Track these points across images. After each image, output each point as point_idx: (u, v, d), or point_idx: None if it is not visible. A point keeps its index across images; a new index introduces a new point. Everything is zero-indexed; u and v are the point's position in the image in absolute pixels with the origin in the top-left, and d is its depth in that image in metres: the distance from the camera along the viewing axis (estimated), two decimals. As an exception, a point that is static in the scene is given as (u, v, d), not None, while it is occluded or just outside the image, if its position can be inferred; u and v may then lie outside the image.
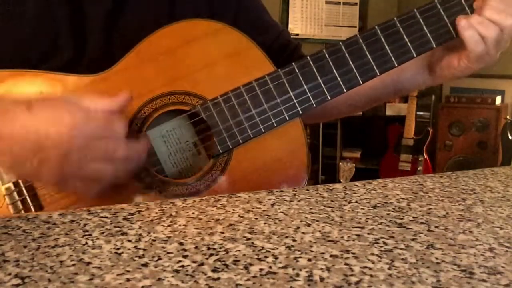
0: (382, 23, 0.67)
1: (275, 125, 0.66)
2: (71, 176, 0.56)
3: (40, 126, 0.53)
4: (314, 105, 0.66)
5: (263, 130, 0.66)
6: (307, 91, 0.66)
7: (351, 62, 0.66)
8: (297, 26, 3.54)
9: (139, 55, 0.64)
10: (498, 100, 3.24)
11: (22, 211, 0.61)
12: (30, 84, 0.63)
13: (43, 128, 0.53)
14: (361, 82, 0.67)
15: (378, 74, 0.67)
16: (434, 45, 0.67)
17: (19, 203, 0.61)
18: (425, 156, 3.19)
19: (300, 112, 0.66)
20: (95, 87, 0.64)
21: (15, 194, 0.61)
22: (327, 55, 0.66)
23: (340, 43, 0.67)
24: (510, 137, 3.00)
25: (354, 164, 3.27)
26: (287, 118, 0.66)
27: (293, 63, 0.66)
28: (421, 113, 3.31)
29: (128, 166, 0.58)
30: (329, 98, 0.67)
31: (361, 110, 0.86)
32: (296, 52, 0.83)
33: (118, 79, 0.64)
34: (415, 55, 0.67)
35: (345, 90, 0.67)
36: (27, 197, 0.61)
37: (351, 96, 0.79)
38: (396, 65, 0.67)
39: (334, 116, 0.91)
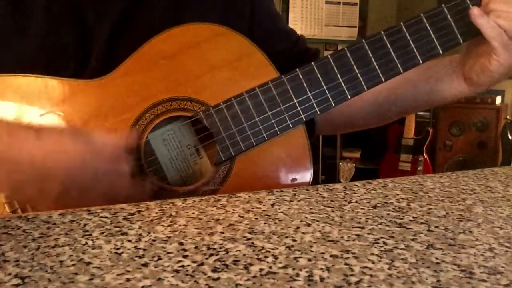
0: (388, 28, 0.66)
1: (278, 132, 0.65)
2: (65, 204, 0.55)
3: (47, 156, 0.54)
4: (318, 112, 0.65)
5: (266, 138, 0.65)
6: (311, 98, 0.65)
7: (356, 69, 0.65)
8: (297, 26, 3.53)
9: (140, 59, 0.64)
10: (498, 100, 3.24)
11: (22, 214, 0.61)
12: (31, 88, 0.62)
13: (50, 159, 0.53)
14: (366, 89, 0.66)
15: (384, 80, 0.65)
16: (441, 51, 0.66)
17: (19, 211, 0.60)
18: (425, 156, 3.19)
19: (304, 119, 0.65)
20: (96, 92, 0.63)
21: (15, 202, 0.60)
22: (332, 61, 0.65)
23: (345, 48, 0.65)
24: (510, 137, 3.00)
25: (354, 164, 3.27)
26: (291, 126, 0.65)
27: (297, 69, 0.65)
28: (421, 113, 3.30)
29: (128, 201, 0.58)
30: (333, 105, 0.65)
31: (392, 120, 0.82)
32: (315, 58, 0.81)
33: (119, 84, 0.63)
34: (421, 62, 0.66)
35: (349, 97, 0.65)
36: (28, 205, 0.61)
37: (381, 104, 0.76)
38: (402, 71, 0.65)
39: (361, 126, 0.87)
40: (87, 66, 0.65)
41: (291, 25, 3.51)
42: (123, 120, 0.63)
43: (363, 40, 0.65)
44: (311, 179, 0.67)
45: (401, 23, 0.65)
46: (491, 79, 0.68)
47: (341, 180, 3.17)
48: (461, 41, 0.66)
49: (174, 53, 0.64)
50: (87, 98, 0.63)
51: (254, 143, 0.65)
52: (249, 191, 0.65)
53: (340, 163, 3.29)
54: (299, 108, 0.65)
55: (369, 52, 0.65)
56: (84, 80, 0.63)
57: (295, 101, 0.65)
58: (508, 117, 3.14)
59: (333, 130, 0.86)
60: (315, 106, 0.65)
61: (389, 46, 0.65)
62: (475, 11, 0.63)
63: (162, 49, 0.64)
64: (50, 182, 0.53)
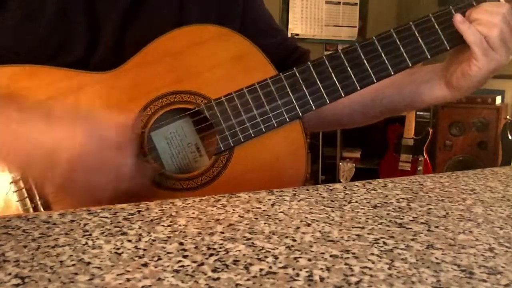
0: (379, 34, 0.70)
1: (275, 125, 0.68)
2: (73, 190, 0.59)
3: (55, 137, 0.57)
4: (314, 108, 0.69)
5: (264, 130, 0.68)
6: (307, 94, 0.69)
7: (349, 69, 0.69)
8: (297, 26, 3.54)
9: (148, 55, 0.67)
10: (498, 100, 3.24)
11: (27, 199, 0.62)
12: (40, 80, 0.64)
13: (58, 140, 0.56)
14: (358, 88, 0.70)
15: (375, 81, 0.70)
16: (429, 56, 0.70)
17: (24, 190, 0.62)
18: (425, 156, 3.19)
19: (300, 114, 0.69)
20: (104, 84, 0.65)
21: (20, 182, 0.62)
22: (326, 62, 0.69)
23: (340, 50, 0.70)
24: (510, 137, 2.99)
25: (354, 164, 3.27)
26: (287, 120, 0.68)
27: (294, 68, 0.69)
28: (421, 113, 3.30)
29: (131, 189, 0.59)
30: (328, 102, 0.69)
31: (375, 120, 0.86)
32: (303, 58, 0.84)
33: (127, 77, 0.66)
34: (410, 65, 0.70)
35: (343, 95, 0.69)
36: (33, 185, 0.62)
37: (366, 104, 0.81)
38: (392, 73, 0.70)
39: (346, 124, 0.92)
40: (95, 53, 0.68)
41: (291, 25, 3.52)
42: (129, 110, 0.65)
43: (356, 44, 0.70)
44: (307, 173, 0.69)
45: (391, 30, 0.70)
46: (469, 84, 0.72)
47: (341, 180, 3.17)
48: (448, 48, 0.71)
49: (179, 50, 0.68)
50: (97, 90, 0.65)
51: (253, 135, 0.68)
52: (246, 181, 0.68)
53: (340, 163, 3.29)
54: (295, 104, 0.69)
55: (362, 54, 0.70)
56: (94, 72, 0.65)
57: (292, 97, 0.68)
58: (508, 117, 3.14)
59: (321, 126, 0.92)
60: (311, 102, 0.69)
61: (380, 50, 0.70)
62: (458, 18, 0.69)
63: (169, 46, 0.68)
64: (58, 161, 0.56)
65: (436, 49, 0.70)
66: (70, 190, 0.59)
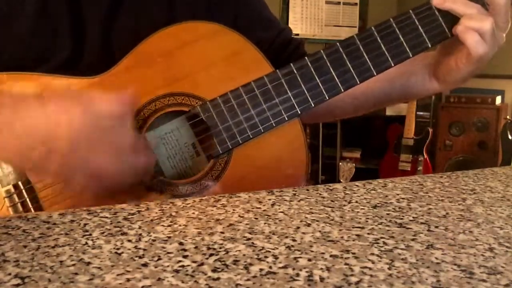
0: (378, 24, 0.68)
1: (274, 125, 0.66)
2: (76, 169, 0.54)
3: (50, 115, 0.52)
4: (313, 106, 0.67)
5: (262, 131, 0.66)
6: (305, 91, 0.66)
7: (348, 63, 0.67)
8: (297, 26, 3.53)
9: (138, 57, 0.64)
10: (498, 100, 3.24)
11: (14, 195, 0.61)
12: (28, 88, 0.62)
13: (53, 117, 0.52)
14: (358, 82, 0.67)
15: (375, 74, 0.67)
16: (430, 45, 0.68)
17: (19, 205, 0.61)
18: (425, 156, 3.19)
19: (299, 112, 0.66)
20: (95, 89, 0.63)
21: (15, 196, 0.61)
22: (324, 56, 0.67)
23: (337, 43, 0.67)
24: (510, 137, 2.99)
25: (354, 164, 3.27)
26: (286, 119, 0.66)
27: (291, 64, 0.66)
28: (421, 113, 3.30)
29: (134, 163, 0.56)
30: (327, 98, 0.67)
31: (366, 111, 0.86)
32: (298, 49, 0.82)
33: (117, 81, 0.64)
34: (411, 55, 0.68)
35: (342, 91, 0.67)
36: (27, 199, 0.61)
37: (357, 97, 0.80)
38: (392, 65, 0.67)
39: (338, 116, 0.91)
40: (82, 54, 0.66)
41: (291, 25, 3.51)
42: None
43: (355, 36, 0.67)
44: (308, 172, 0.68)
45: (390, 19, 0.67)
46: (455, 79, 0.71)
47: (341, 180, 3.18)
48: (449, 35, 0.68)
49: (171, 50, 0.65)
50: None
51: (251, 136, 0.66)
52: (246, 183, 0.66)
53: (340, 163, 3.29)
54: (293, 101, 0.66)
55: (361, 46, 0.67)
56: (81, 78, 0.63)
57: (290, 95, 0.66)
58: (508, 117, 3.14)
59: (313, 118, 0.92)
60: (310, 99, 0.66)
61: (379, 41, 0.67)
62: (459, 28, 0.66)
63: (160, 46, 0.65)
64: (57, 140, 0.52)
65: (437, 38, 0.67)
66: (69, 173, 0.54)
